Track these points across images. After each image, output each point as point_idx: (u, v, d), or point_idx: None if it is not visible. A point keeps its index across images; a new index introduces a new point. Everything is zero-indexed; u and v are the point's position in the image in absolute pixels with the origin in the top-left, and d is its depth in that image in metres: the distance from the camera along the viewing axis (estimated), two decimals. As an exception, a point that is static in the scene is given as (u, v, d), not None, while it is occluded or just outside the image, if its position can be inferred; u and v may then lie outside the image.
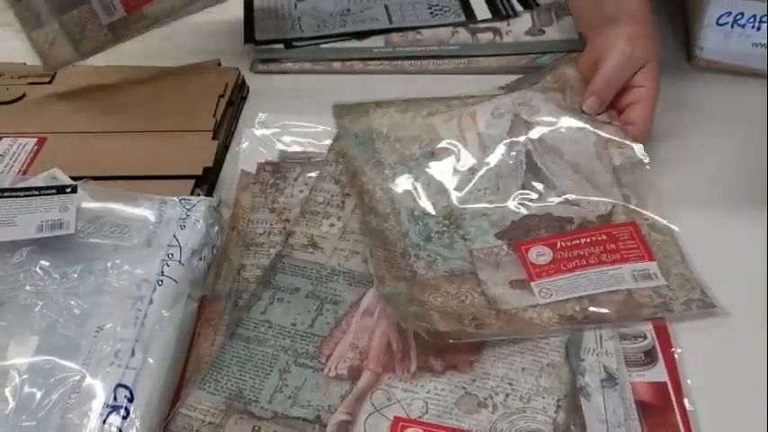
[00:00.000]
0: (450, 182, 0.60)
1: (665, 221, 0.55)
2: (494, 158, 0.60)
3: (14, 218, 0.52)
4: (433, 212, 0.58)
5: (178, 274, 0.51)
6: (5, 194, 0.53)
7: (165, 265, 0.51)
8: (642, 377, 0.47)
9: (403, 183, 0.60)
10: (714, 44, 0.70)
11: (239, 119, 0.70)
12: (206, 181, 0.61)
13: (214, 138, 0.64)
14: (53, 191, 0.54)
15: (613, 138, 0.60)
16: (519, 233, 0.55)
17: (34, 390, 0.44)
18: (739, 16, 0.68)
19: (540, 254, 0.54)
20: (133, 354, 0.46)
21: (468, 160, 0.61)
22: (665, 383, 0.47)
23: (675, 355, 0.48)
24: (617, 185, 0.57)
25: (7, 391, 0.44)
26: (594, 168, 0.58)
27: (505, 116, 0.63)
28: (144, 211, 0.55)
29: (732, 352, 0.49)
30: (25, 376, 0.45)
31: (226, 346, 0.49)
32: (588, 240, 0.54)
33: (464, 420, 0.45)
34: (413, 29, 0.78)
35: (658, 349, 0.48)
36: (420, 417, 0.46)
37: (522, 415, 0.46)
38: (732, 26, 0.69)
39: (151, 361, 0.46)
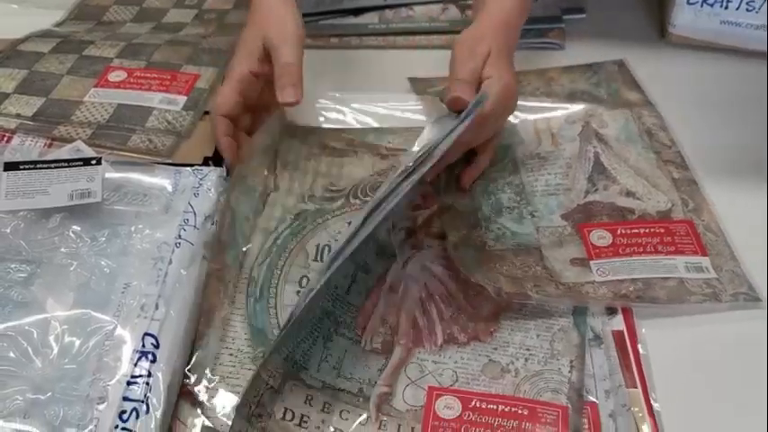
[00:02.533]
0: (523, 164, 0.65)
1: (718, 223, 0.59)
2: (565, 152, 0.66)
3: (48, 188, 0.57)
4: (507, 189, 0.63)
5: (193, 238, 0.57)
6: (39, 166, 0.59)
7: (182, 230, 0.57)
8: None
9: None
10: (685, 21, 0.76)
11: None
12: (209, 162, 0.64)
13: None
14: (80, 163, 0.59)
15: (672, 160, 0.64)
16: (582, 216, 0.60)
17: (73, 338, 0.50)
18: (708, -5, 0.73)
19: (600, 237, 0.58)
20: (157, 307, 0.52)
21: (541, 149, 0.66)
22: (622, 332, 0.53)
23: (633, 308, 0.54)
24: (676, 191, 0.62)
25: (51, 339, 0.50)
26: (656, 174, 0.63)
27: (577, 123, 0.68)
28: (161, 180, 0.61)
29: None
30: (65, 326, 0.51)
31: (300, 293, 0.54)
32: (647, 231, 0.58)
33: (491, 386, 0.50)
34: (405, 5, 0.82)
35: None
36: (451, 385, 0.50)
37: (541, 377, 0.50)
38: (702, 5, 0.74)
39: (172, 313, 0.52)
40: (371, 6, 0.83)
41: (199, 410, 0.49)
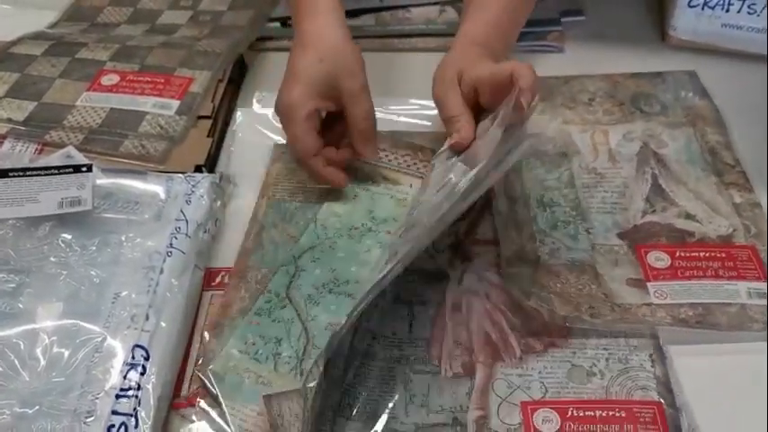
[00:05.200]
0: (579, 178, 0.63)
1: None
2: (622, 171, 0.63)
3: (37, 195, 0.56)
4: (562, 202, 0.61)
5: (185, 246, 0.56)
6: (28, 173, 0.58)
7: (174, 238, 0.56)
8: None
9: (534, 172, 0.64)
10: (686, 24, 0.75)
11: (239, 96, 0.74)
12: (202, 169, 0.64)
13: (209, 135, 0.67)
14: (70, 169, 0.58)
15: (735, 182, 0.62)
16: (640, 236, 0.58)
17: (62, 350, 0.50)
18: (709, -1, 0.72)
19: (658, 258, 0.56)
20: (147, 318, 0.51)
21: (598, 164, 0.64)
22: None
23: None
24: (737, 216, 0.59)
25: (38, 351, 0.49)
26: (716, 200, 0.61)
27: (635, 141, 0.66)
28: (153, 188, 0.60)
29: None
30: (53, 338, 0.50)
31: (361, 367, 0.51)
32: (707, 255, 0.56)
33: (581, 392, 0.49)
34: (402, 7, 0.81)
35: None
36: (542, 397, 0.49)
37: (626, 376, 0.50)
38: (702, 8, 0.73)
39: (163, 324, 0.51)
40: (368, 8, 0.82)
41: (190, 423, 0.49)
